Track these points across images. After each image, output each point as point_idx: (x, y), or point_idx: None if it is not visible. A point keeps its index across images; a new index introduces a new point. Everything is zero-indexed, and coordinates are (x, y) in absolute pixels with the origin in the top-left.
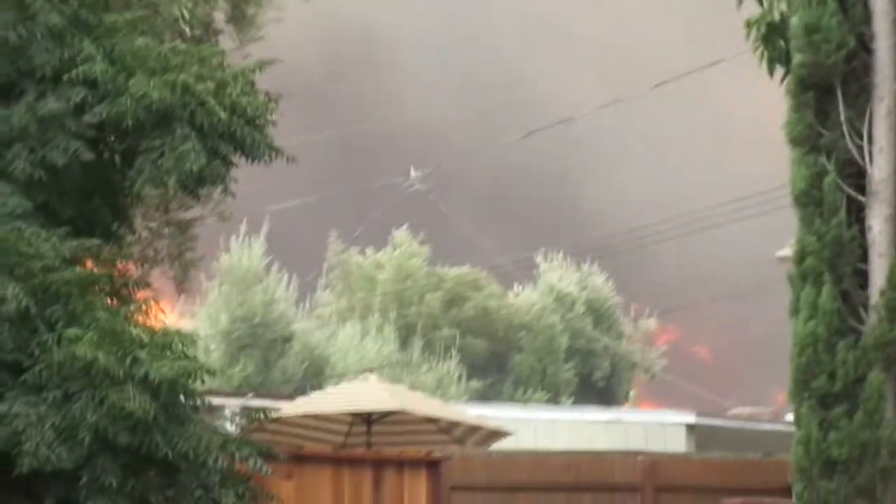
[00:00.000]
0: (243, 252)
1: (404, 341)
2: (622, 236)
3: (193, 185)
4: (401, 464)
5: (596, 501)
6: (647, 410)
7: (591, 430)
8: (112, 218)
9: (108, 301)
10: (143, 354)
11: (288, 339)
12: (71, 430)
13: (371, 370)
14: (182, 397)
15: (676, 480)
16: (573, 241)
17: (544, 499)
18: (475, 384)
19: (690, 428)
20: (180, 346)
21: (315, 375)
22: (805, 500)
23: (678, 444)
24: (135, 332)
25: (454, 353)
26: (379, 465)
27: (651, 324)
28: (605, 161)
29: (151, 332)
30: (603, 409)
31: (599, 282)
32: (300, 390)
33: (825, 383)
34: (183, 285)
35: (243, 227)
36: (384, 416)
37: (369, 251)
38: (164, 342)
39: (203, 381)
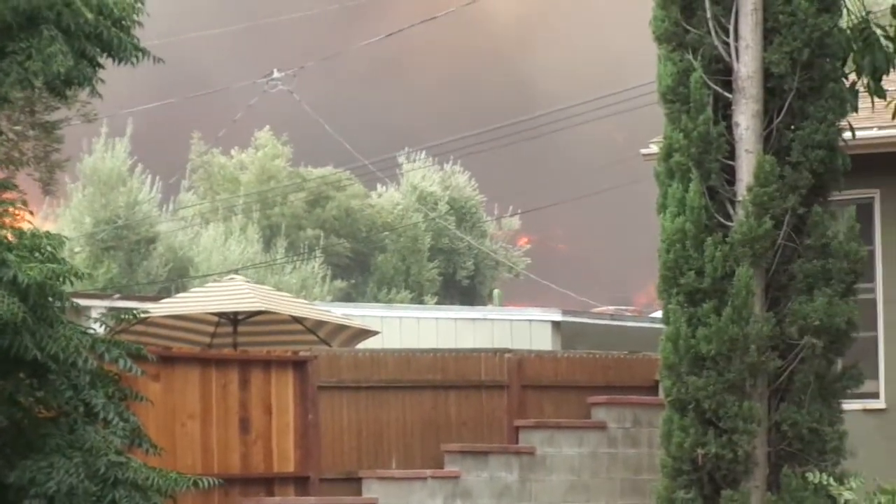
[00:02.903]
0: (107, 154)
1: (268, 242)
2: (484, 135)
3: (60, 86)
4: (268, 363)
5: (463, 399)
6: (512, 309)
7: (457, 328)
8: None
9: None
10: (10, 256)
11: (152, 240)
12: None
13: (235, 271)
14: (50, 299)
15: (543, 378)
16: (435, 141)
17: (411, 397)
18: (339, 284)
19: (556, 325)
20: (48, 248)
21: (179, 277)
22: (673, 397)
23: (544, 342)
24: (1, 234)
25: (318, 253)
26: (246, 365)
27: (514, 223)
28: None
29: (19, 234)
30: (469, 308)
31: (462, 181)
32: (165, 292)
33: (693, 280)
34: (48, 187)
35: (105, 129)
36: (250, 316)
37: (233, 152)
38: (32, 244)
39: (71, 283)
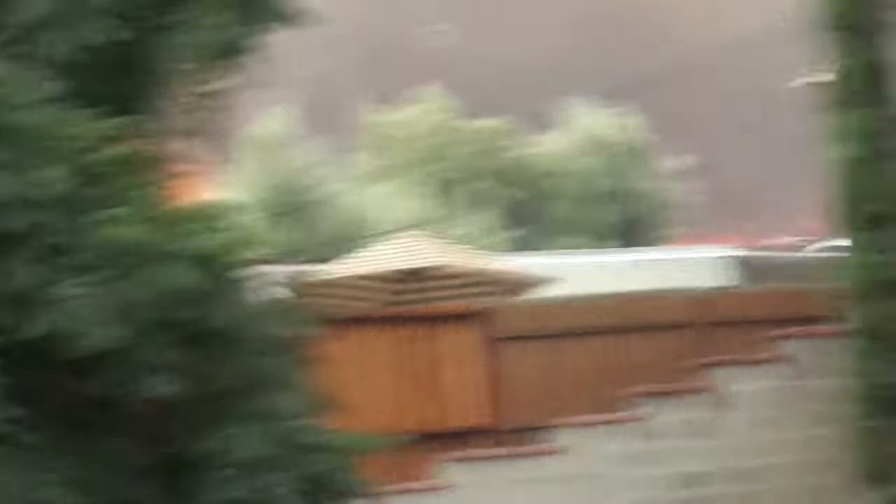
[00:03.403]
0: (276, 118)
1: (440, 196)
2: (646, 73)
3: (229, 54)
4: (450, 318)
5: (645, 341)
6: (689, 247)
7: (635, 271)
8: (149, 94)
9: (151, 177)
10: (189, 228)
11: (325, 202)
12: (124, 309)
13: (410, 227)
14: (231, 268)
15: (726, 315)
16: (601, 82)
17: (592, 343)
18: (514, 234)
19: (734, 261)
20: (225, 216)
21: (354, 237)
22: (863, 325)
23: (723, 278)
24: (179, 206)
25: (491, 204)
26: (429, 320)
27: (684, 161)
28: None
29: (195, 205)
30: (645, 250)
31: (631, 121)
32: (341, 252)
33: (877, 206)
34: (221, 156)
35: (275, 93)
36: (429, 271)
37: (401, 108)
38: (209, 214)
39: (250, 251)
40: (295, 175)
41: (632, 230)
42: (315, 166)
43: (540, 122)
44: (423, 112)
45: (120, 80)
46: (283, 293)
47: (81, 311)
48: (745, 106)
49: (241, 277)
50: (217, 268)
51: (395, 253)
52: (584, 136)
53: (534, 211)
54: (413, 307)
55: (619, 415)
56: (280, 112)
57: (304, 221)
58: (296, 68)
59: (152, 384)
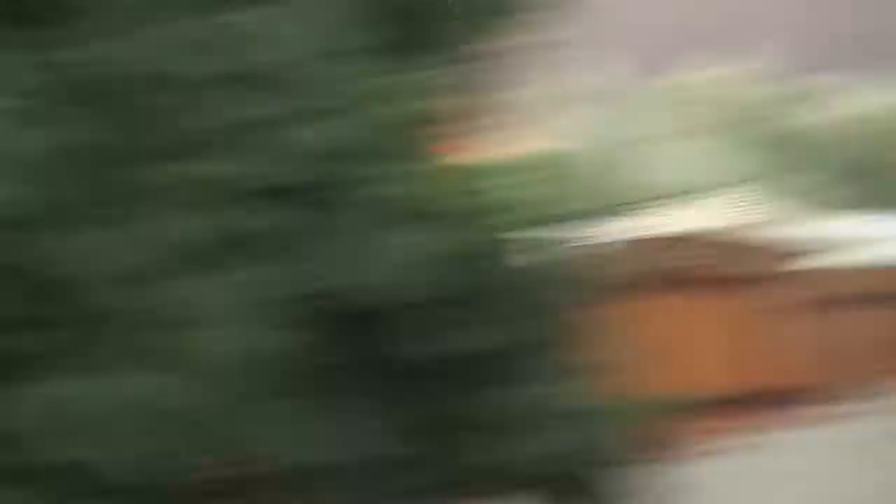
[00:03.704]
0: (599, 70)
1: (765, 155)
2: None
3: (535, 7)
4: (758, 280)
5: None
6: None
7: None
8: (445, 46)
9: (445, 132)
10: (492, 181)
11: (639, 157)
12: (434, 261)
13: (735, 186)
14: (531, 223)
15: None
16: None
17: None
18: (844, 192)
19: None
20: (541, 169)
21: (670, 194)
22: None
23: None
24: (478, 160)
25: (821, 163)
26: (732, 283)
27: None
28: None
29: (501, 159)
30: None
31: None
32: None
33: None
34: (535, 110)
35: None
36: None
37: (712, 67)
38: (524, 165)
39: (560, 205)
40: (612, 129)
41: None
42: (630, 120)
43: (863, 83)
44: (745, 72)
45: (416, 30)
46: (583, 253)
47: (398, 263)
48: None
49: (541, 235)
50: (516, 222)
51: (722, 211)
52: None
53: (867, 170)
54: (713, 269)
55: None
56: (603, 64)
57: (619, 176)
58: (620, 20)
59: (452, 339)
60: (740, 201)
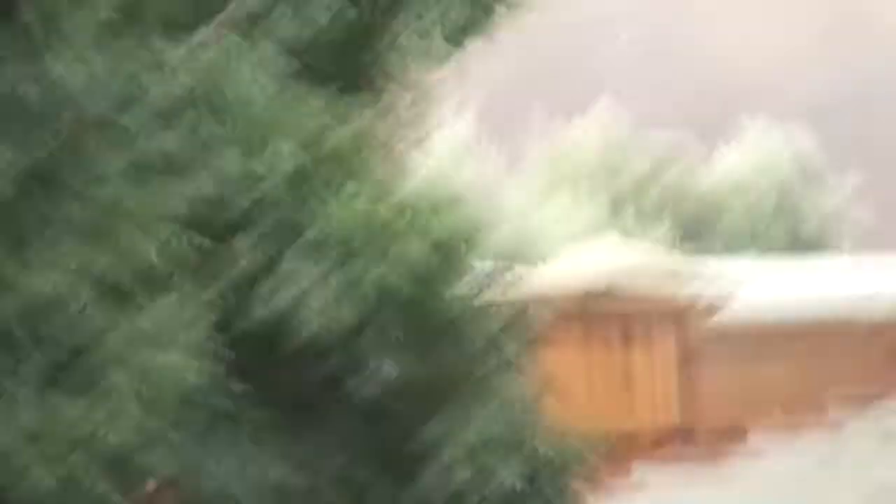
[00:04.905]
0: (453, 124)
1: (613, 210)
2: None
3: (458, 36)
4: (647, 316)
5: (840, 345)
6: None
7: (824, 277)
8: (373, 75)
9: (379, 158)
10: (422, 205)
11: (495, 213)
12: (354, 286)
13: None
14: (460, 253)
15: None
16: (773, 102)
17: (788, 346)
18: (687, 247)
19: None
20: (453, 204)
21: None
22: None
23: None
24: (412, 184)
25: (664, 218)
26: (625, 319)
27: (854, 178)
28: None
29: (424, 187)
30: (836, 257)
31: (805, 141)
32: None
33: None
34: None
35: (453, 99)
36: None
37: (573, 121)
38: (441, 195)
39: (479, 240)
40: (470, 182)
41: (799, 245)
42: (489, 175)
43: (714, 137)
44: (595, 122)
45: (346, 60)
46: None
47: (312, 288)
48: None
49: (468, 263)
50: (448, 251)
51: (590, 263)
52: (757, 152)
53: (705, 227)
54: (610, 304)
55: (817, 417)
56: (460, 116)
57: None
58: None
59: (379, 367)
60: (612, 251)
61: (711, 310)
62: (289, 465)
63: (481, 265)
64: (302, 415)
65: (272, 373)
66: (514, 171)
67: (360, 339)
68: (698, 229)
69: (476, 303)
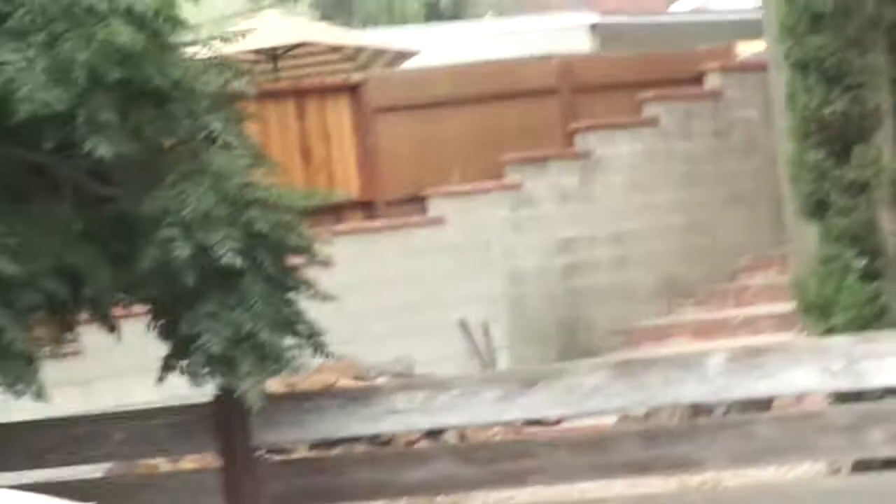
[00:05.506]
0: None
1: None
2: None
3: None
4: (321, 91)
5: (516, 108)
6: (546, 16)
7: (496, 40)
8: None
9: None
10: None
11: None
12: (63, 71)
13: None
14: (165, 27)
15: (591, 80)
16: None
17: (464, 111)
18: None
19: (594, 28)
20: None
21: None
22: (794, 58)
23: (584, 45)
24: None
25: None
26: (300, 95)
27: None
28: None
29: None
30: (505, 19)
31: None
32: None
33: None
34: None
35: None
36: (289, 49)
37: None
38: None
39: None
40: None
41: (439, 16)
42: None
43: None
44: None
45: None
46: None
47: (20, 75)
48: None
49: (175, 37)
50: (153, 25)
51: (252, 31)
52: None
53: (341, 3)
54: (283, 82)
55: (495, 182)
56: None
57: None
58: None
59: (93, 146)
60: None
61: (382, 80)
62: (5, 258)
63: (186, 42)
64: (15, 204)
65: None
66: None
67: (73, 122)
68: (336, 5)
69: (184, 81)
